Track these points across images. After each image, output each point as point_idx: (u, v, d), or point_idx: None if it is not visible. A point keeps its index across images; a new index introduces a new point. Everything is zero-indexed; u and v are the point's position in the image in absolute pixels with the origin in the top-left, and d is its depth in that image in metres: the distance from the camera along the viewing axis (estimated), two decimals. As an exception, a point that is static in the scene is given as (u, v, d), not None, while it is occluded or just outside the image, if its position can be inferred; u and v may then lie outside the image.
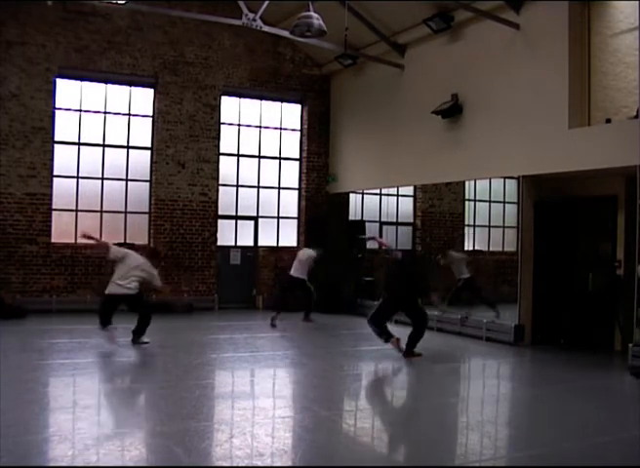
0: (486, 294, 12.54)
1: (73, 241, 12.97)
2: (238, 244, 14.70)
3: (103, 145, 13.46)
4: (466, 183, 14.50)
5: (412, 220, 15.42)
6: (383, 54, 13.17)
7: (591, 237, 10.10)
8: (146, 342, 9.28)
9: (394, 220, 15.31)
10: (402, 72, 13.00)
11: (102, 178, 13.42)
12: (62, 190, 13.03)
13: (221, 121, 14.37)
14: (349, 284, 14.36)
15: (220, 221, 14.31)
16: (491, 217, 15.42)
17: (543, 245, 10.41)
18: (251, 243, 14.78)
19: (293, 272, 12.37)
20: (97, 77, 13.29)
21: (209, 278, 14.15)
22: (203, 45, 14.00)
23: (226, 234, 14.50)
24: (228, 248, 14.51)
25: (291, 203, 15.29)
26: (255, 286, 14.66)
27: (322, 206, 15.23)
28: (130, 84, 13.65)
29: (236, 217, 14.71)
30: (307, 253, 12.50)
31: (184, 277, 13.88)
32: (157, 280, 9.58)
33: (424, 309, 9.34)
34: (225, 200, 14.48)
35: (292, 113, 15.34)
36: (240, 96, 14.69)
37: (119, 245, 10.32)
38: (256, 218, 14.85)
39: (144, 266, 9.36)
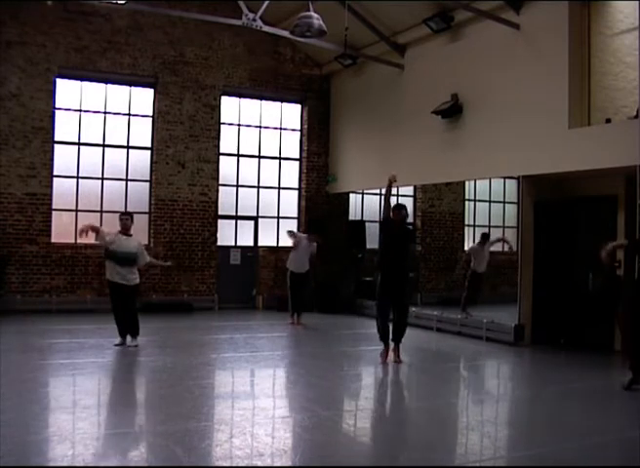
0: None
1: (73, 241, 12.98)
2: (238, 244, 14.70)
3: (103, 145, 13.46)
4: (466, 183, 14.52)
5: (412, 220, 15.43)
6: (383, 54, 13.16)
7: (591, 237, 10.10)
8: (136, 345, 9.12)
9: (394, 220, 15.29)
10: (402, 72, 13.00)
11: (102, 178, 13.42)
12: (62, 190, 13.04)
13: (221, 121, 14.38)
14: (349, 284, 14.37)
15: (220, 221, 14.31)
16: (491, 217, 15.44)
17: (543, 245, 10.41)
18: (251, 243, 14.78)
19: (295, 268, 12.17)
20: (97, 77, 13.29)
21: (209, 278, 14.15)
22: (203, 45, 14.00)
23: (226, 234, 14.50)
24: (228, 248, 14.51)
25: (291, 203, 15.30)
26: (255, 286, 14.66)
27: (322, 206, 15.23)
28: (130, 84, 13.66)
29: (236, 217, 14.71)
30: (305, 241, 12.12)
31: (184, 277, 13.88)
32: (146, 255, 9.28)
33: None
34: (225, 200, 14.48)
35: (292, 113, 15.35)
36: (240, 96, 14.70)
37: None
38: (256, 218, 14.85)
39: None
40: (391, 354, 8.51)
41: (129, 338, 9.13)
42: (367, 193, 15.08)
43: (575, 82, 9.64)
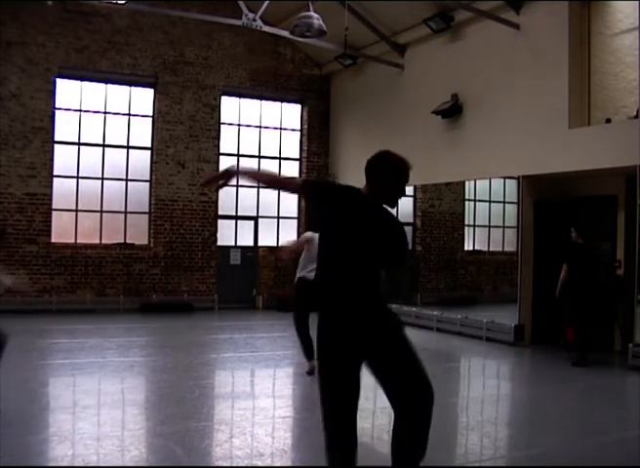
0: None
1: (73, 241, 12.99)
2: (238, 244, 14.70)
3: (103, 145, 13.46)
4: (466, 183, 14.49)
5: (412, 220, 15.41)
6: (383, 54, 13.16)
7: (591, 237, 10.08)
8: None
9: (394, 220, 15.28)
10: (402, 72, 13.00)
11: (102, 178, 13.41)
12: (62, 190, 13.03)
13: (221, 121, 14.38)
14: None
15: (220, 221, 14.31)
16: (491, 217, 15.42)
17: (543, 245, 10.41)
18: (251, 243, 14.78)
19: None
20: (97, 77, 13.28)
21: (209, 278, 14.15)
22: (203, 45, 14.00)
23: (226, 234, 14.49)
24: (228, 248, 14.50)
25: (291, 203, 15.29)
26: (255, 286, 14.66)
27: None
28: (130, 84, 13.65)
29: (236, 217, 14.71)
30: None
31: (184, 277, 13.88)
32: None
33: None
34: (225, 200, 14.48)
35: (292, 113, 15.35)
36: (240, 96, 14.70)
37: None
38: (256, 218, 14.85)
39: None
40: None
41: None
42: (367, 193, 15.06)
43: (575, 82, 9.64)
